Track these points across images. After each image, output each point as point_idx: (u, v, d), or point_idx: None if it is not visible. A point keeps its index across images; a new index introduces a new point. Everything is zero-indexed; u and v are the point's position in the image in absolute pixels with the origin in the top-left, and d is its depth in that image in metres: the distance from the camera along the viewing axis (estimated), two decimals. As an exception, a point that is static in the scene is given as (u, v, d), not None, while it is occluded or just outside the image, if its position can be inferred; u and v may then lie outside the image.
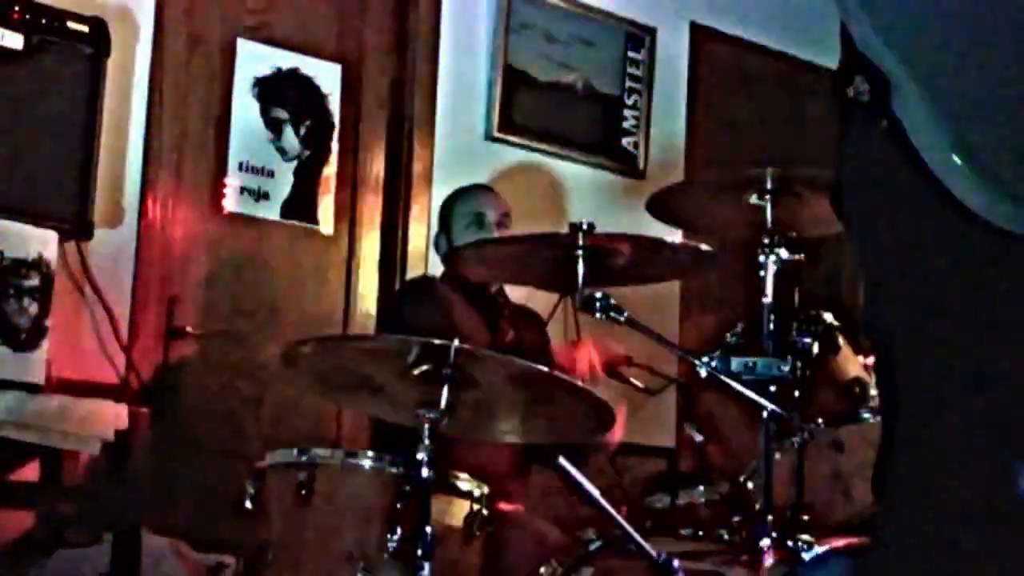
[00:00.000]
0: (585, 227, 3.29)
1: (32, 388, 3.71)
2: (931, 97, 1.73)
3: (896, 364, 1.83)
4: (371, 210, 5.03)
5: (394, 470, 3.21)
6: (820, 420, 3.26)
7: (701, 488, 3.55)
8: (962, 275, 1.76)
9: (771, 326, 3.25)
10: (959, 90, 1.74)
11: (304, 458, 3.26)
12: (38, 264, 3.78)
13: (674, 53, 5.73)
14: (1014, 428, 1.73)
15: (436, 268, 4.66)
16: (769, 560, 3.11)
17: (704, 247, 3.49)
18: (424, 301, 4.16)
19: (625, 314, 3.25)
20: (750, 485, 3.34)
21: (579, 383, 3.25)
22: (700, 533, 3.44)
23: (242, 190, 4.75)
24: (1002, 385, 1.74)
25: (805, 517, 3.18)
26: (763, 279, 3.30)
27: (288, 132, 4.87)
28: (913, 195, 1.77)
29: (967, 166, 1.71)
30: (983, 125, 1.72)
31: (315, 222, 4.89)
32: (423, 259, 4.93)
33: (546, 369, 3.16)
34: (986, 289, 1.75)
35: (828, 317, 3.31)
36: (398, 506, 3.15)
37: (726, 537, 3.31)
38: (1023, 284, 1.74)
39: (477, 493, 3.28)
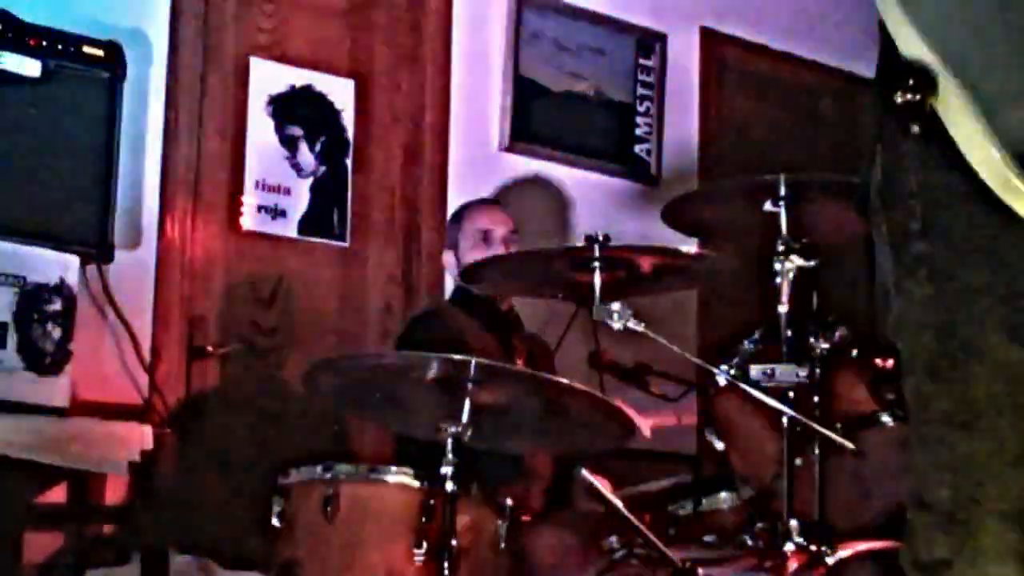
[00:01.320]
0: (601, 239, 3.31)
1: (57, 412, 3.75)
2: (973, 94, 1.75)
3: (926, 368, 1.84)
4: (388, 224, 5.05)
5: (418, 484, 3.23)
6: (839, 425, 3.27)
7: (724, 495, 3.57)
8: (1000, 276, 1.78)
9: (788, 333, 3.26)
10: (1000, 87, 1.76)
11: (328, 474, 3.28)
12: (60, 288, 3.81)
13: (685, 59, 5.75)
14: None
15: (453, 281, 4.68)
16: (792, 566, 3.12)
17: (720, 256, 3.51)
18: (435, 327, 4.17)
19: (643, 324, 3.26)
20: (772, 490, 3.35)
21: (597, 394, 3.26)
22: (724, 540, 3.46)
23: (259, 208, 4.78)
24: None
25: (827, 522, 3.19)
26: (778, 286, 3.31)
27: (303, 149, 4.90)
28: (951, 196, 1.79)
29: (1010, 163, 1.73)
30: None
31: (332, 238, 4.91)
32: (441, 272, 4.95)
33: (564, 380, 3.19)
34: (1007, 263, 1.76)
35: (843, 325, 3.32)
36: (423, 520, 3.17)
37: (749, 543, 3.33)
38: None
39: (503, 505, 3.31)
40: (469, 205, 4.53)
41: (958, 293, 1.80)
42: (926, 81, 1.78)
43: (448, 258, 4.42)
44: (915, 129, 1.80)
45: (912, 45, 1.80)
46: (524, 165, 5.31)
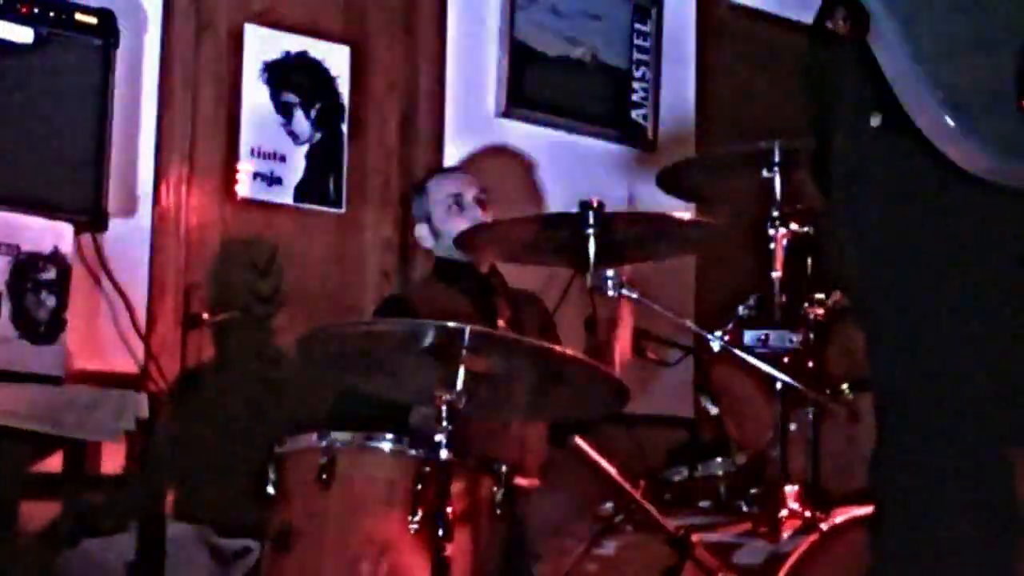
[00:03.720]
0: (595, 206, 3.30)
1: (53, 380, 3.74)
2: (908, 33, 1.74)
3: (891, 348, 1.85)
4: (384, 191, 5.04)
5: (413, 452, 3.23)
6: (833, 389, 3.28)
7: (719, 460, 3.57)
8: (944, 232, 1.78)
9: (782, 298, 3.26)
10: (936, 28, 1.75)
11: (324, 442, 3.28)
12: (54, 257, 3.81)
13: (681, 23, 5.73)
14: (1013, 416, 1.75)
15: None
16: (787, 531, 3.13)
17: (714, 222, 3.50)
18: (397, 314, 4.15)
19: (636, 291, 3.26)
20: (767, 456, 3.35)
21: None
22: (719, 505, 3.46)
23: (255, 175, 4.77)
24: (1002, 365, 1.75)
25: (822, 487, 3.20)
26: (772, 252, 3.31)
27: (299, 116, 4.88)
28: (913, 186, 1.79)
29: (941, 103, 1.72)
30: (959, 65, 1.73)
31: (328, 205, 4.90)
32: (437, 238, 4.95)
33: (556, 347, 3.19)
34: (966, 245, 1.77)
35: (838, 291, 3.32)
36: (418, 487, 3.17)
37: (744, 509, 3.33)
38: (1000, 236, 1.75)
39: (498, 472, 3.31)
40: (432, 174, 4.54)
41: (923, 278, 1.80)
42: (860, 14, 1.77)
43: (422, 230, 4.40)
44: (875, 122, 1.80)
45: None
46: (520, 130, 5.29)
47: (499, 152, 5.28)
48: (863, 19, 1.76)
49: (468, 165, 5.03)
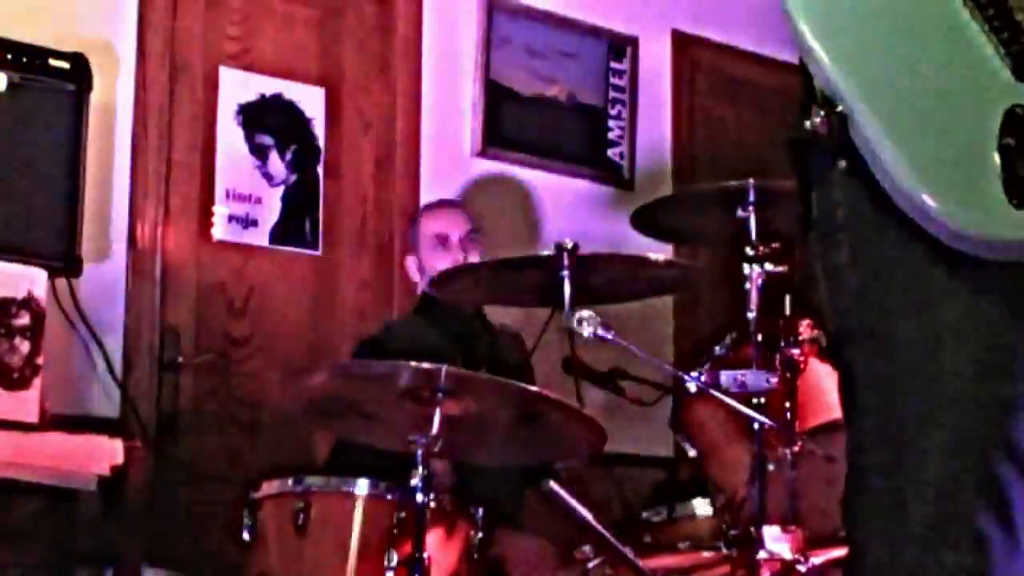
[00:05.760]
0: (569, 247, 3.30)
1: (27, 427, 3.71)
2: (888, 127, 1.76)
3: (857, 399, 1.87)
4: (360, 232, 5.03)
5: (390, 496, 3.22)
6: (811, 430, 3.27)
7: (698, 501, 3.56)
8: (922, 310, 1.80)
9: (758, 338, 3.25)
10: (915, 118, 1.77)
11: (299, 487, 3.27)
12: (28, 303, 3.78)
13: (657, 62, 5.74)
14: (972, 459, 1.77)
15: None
16: (766, 573, 3.11)
17: (690, 263, 3.50)
18: (374, 356, 4.12)
19: (612, 332, 3.25)
20: (746, 497, 3.34)
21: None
22: (698, 547, 3.45)
23: (230, 218, 4.75)
24: (960, 424, 1.77)
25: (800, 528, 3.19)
26: (748, 292, 3.30)
27: (274, 158, 4.87)
28: (876, 229, 1.81)
29: (927, 192, 1.74)
30: (939, 148, 1.75)
31: (304, 246, 4.89)
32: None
33: (532, 387, 3.18)
34: (942, 318, 1.79)
35: (812, 329, 3.32)
36: (395, 531, 3.16)
37: (723, 550, 3.32)
38: (986, 312, 1.78)
39: (475, 515, 3.29)
40: (427, 207, 4.52)
41: (889, 326, 1.82)
42: (836, 112, 1.79)
43: (410, 263, 4.40)
44: (842, 164, 1.82)
45: (826, 75, 1.81)
46: (496, 170, 5.29)
47: (515, 185, 5.28)
48: (841, 121, 1.79)
49: (473, 197, 5.02)
